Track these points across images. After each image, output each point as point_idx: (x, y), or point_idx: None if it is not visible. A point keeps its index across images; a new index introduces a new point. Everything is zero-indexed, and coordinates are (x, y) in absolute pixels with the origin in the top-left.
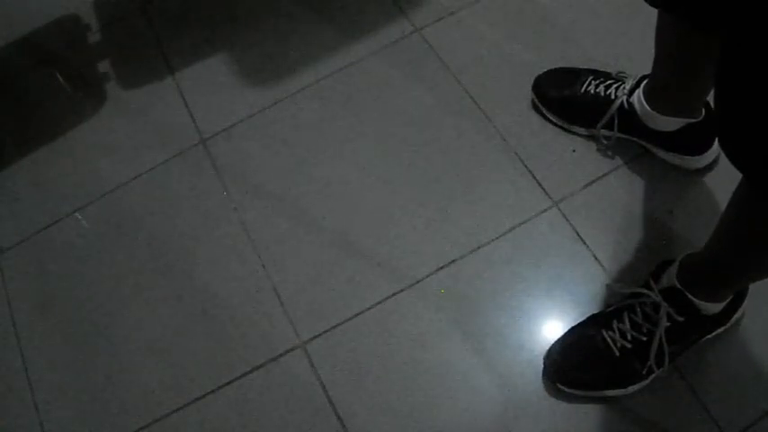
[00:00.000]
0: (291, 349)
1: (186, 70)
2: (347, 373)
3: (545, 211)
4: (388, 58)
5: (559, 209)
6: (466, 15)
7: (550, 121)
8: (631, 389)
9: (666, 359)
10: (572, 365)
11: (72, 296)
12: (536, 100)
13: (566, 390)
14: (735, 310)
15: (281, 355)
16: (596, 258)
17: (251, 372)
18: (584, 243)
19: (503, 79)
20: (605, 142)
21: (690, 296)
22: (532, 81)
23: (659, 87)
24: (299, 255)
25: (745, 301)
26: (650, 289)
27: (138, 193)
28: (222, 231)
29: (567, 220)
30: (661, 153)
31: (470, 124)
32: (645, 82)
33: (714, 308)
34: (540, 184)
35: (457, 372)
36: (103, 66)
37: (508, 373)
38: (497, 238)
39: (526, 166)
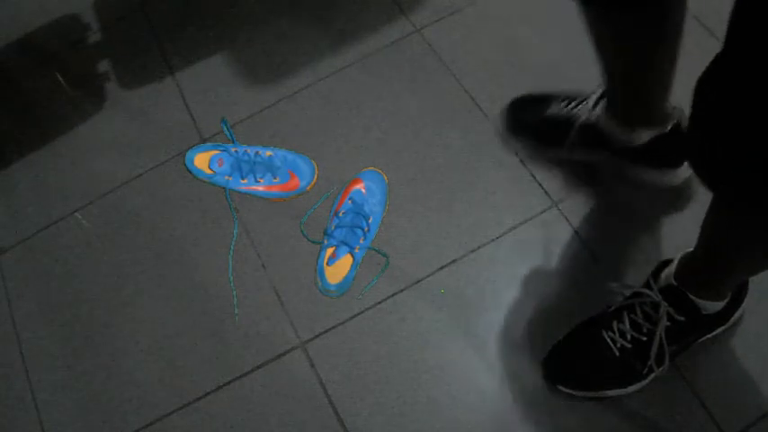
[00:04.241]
0: (291, 349)
1: (186, 70)
2: (347, 373)
3: (545, 211)
4: (388, 58)
5: (559, 209)
6: (466, 15)
7: (524, 148)
8: (631, 389)
9: (666, 359)
10: (572, 366)
11: (72, 296)
12: (507, 129)
13: (566, 390)
14: (735, 310)
15: (281, 355)
16: (596, 258)
17: (251, 371)
18: (584, 243)
19: (503, 79)
20: (573, 160)
21: (689, 294)
22: (508, 103)
23: (612, 96)
24: (299, 255)
25: (745, 301)
26: (650, 288)
27: (138, 193)
28: (222, 231)
29: (566, 220)
30: (635, 170)
31: (470, 124)
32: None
33: (714, 306)
34: (540, 184)
35: (457, 372)
36: (103, 66)
37: (508, 374)
38: (497, 237)
39: (526, 166)
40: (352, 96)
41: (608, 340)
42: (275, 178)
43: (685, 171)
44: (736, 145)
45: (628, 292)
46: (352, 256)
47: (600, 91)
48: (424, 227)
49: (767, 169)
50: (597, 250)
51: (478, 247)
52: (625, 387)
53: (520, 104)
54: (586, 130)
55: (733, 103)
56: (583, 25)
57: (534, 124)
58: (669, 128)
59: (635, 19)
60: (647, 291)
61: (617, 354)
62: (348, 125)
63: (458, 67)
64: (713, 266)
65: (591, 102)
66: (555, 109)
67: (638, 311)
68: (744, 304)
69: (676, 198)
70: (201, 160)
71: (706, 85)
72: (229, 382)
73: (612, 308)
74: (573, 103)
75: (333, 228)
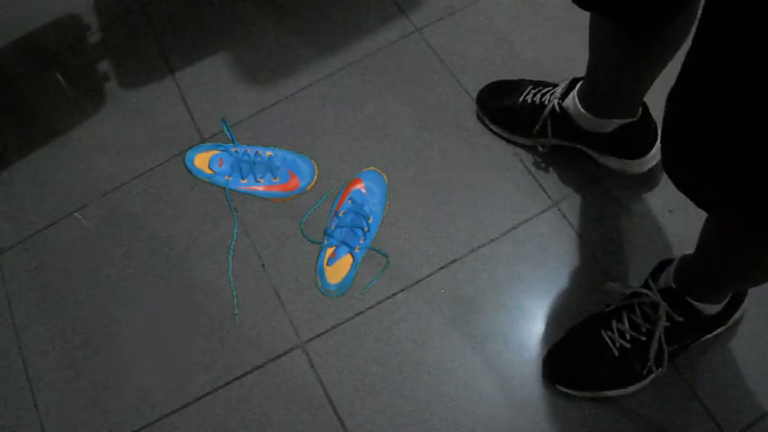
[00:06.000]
0: (291, 349)
1: (186, 70)
2: (347, 372)
3: (545, 211)
4: (388, 58)
5: (559, 209)
6: (466, 15)
7: (495, 133)
8: (631, 389)
9: (666, 359)
10: (571, 366)
11: (72, 296)
12: (479, 111)
13: (565, 390)
14: (735, 310)
15: (281, 355)
16: (596, 258)
17: (251, 372)
18: (585, 243)
19: (503, 79)
20: (541, 149)
21: (687, 298)
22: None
23: (593, 89)
24: (299, 255)
25: (745, 301)
26: (649, 289)
27: (137, 193)
28: (222, 231)
29: (566, 220)
30: (600, 158)
31: (470, 124)
32: (579, 84)
33: (713, 308)
34: (540, 184)
35: (456, 372)
36: (103, 66)
37: (508, 374)
38: (497, 238)
39: (526, 166)
40: (352, 96)
41: (607, 340)
42: (275, 178)
43: (650, 160)
44: (701, 161)
45: (627, 292)
46: (352, 256)
47: (570, 78)
48: (424, 227)
49: (733, 185)
50: (597, 250)
51: (478, 247)
52: (625, 387)
53: (491, 91)
54: (555, 117)
55: (696, 121)
56: (588, 28)
57: (505, 111)
58: (637, 117)
59: (656, 37)
60: (646, 291)
61: (616, 354)
62: (348, 125)
63: (458, 67)
64: (711, 275)
65: (559, 90)
66: (527, 97)
67: (638, 311)
68: (744, 305)
69: (677, 199)
70: (201, 160)
71: (675, 100)
72: (229, 382)
73: (612, 307)
74: (542, 91)
75: (333, 228)
